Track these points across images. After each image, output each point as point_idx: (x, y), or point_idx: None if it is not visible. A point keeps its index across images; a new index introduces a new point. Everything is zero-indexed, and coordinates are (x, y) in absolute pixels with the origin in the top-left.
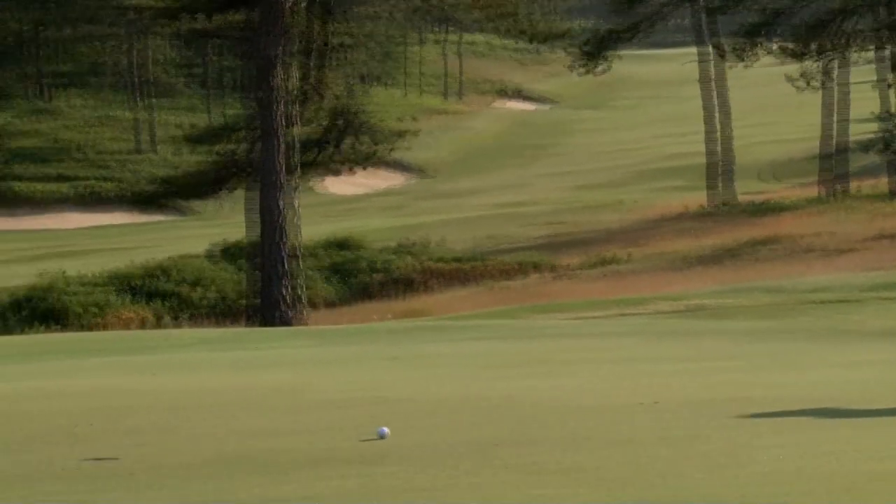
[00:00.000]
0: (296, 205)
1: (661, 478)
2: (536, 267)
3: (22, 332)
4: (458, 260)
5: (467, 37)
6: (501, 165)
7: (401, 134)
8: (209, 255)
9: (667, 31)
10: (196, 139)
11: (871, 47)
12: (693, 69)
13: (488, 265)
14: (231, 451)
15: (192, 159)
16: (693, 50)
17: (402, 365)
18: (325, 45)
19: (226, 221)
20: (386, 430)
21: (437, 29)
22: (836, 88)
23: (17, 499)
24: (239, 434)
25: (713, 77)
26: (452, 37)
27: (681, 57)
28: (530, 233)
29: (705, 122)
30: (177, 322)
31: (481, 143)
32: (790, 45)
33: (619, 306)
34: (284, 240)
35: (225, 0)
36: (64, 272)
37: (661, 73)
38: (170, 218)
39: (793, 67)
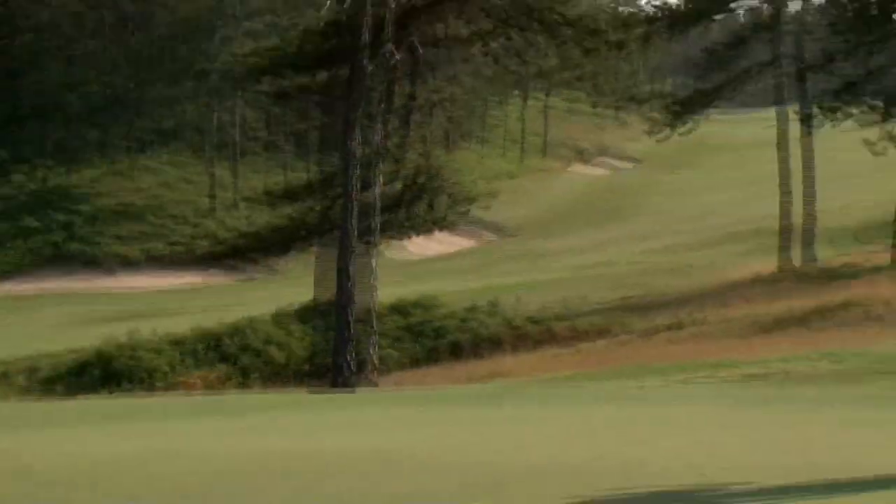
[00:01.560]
0: (373, 265)
1: None
2: (610, 330)
3: (86, 396)
4: (534, 321)
5: (548, 99)
6: (579, 227)
7: (488, 195)
8: (277, 318)
9: (747, 93)
10: (272, 198)
11: None
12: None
13: (564, 327)
14: None
15: (265, 219)
16: (772, 113)
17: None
18: (408, 106)
19: (297, 281)
20: None
21: (517, 92)
22: None
23: None
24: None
25: (792, 139)
26: (532, 101)
27: (762, 120)
28: (607, 295)
29: (780, 187)
30: (244, 385)
31: (561, 204)
32: (880, 105)
33: (695, 370)
34: (352, 304)
35: (312, 60)
36: (134, 333)
37: (745, 135)
38: (238, 279)
39: (872, 132)
